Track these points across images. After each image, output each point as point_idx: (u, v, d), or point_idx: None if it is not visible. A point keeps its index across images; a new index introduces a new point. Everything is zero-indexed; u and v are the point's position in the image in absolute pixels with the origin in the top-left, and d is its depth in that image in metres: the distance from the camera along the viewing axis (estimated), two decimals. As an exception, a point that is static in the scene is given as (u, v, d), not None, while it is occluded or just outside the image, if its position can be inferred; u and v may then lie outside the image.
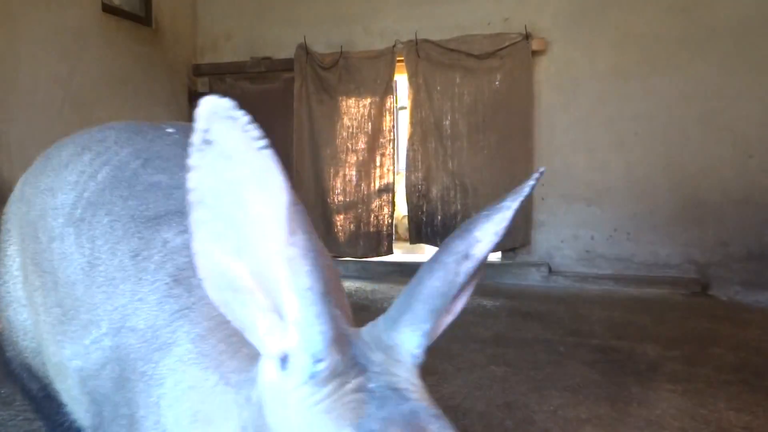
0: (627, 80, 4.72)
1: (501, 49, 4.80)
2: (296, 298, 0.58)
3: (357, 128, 5.19)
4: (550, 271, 4.84)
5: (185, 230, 1.00)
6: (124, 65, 4.64)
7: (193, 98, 5.65)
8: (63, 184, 1.20)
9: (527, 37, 4.77)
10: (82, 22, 4.21)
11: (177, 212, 1.07)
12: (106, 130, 1.32)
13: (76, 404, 1.14)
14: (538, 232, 4.91)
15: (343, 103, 5.21)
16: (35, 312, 1.22)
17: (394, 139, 5.19)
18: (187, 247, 0.98)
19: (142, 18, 4.93)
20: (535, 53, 4.83)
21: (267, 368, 0.66)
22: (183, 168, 0.99)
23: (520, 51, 4.78)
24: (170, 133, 1.30)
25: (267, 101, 5.49)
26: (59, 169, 1.25)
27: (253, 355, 0.76)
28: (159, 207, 1.09)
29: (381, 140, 5.16)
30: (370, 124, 5.16)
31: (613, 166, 4.78)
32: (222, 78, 5.59)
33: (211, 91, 5.60)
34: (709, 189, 4.56)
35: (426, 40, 4.96)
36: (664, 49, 4.63)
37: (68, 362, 1.08)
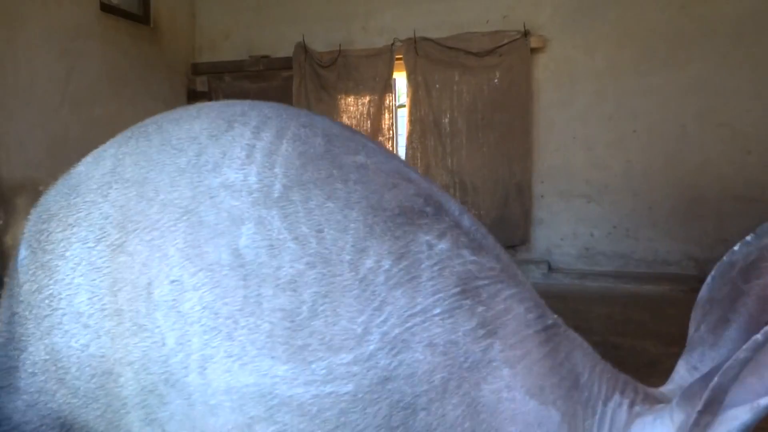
0: (625, 77, 4.71)
1: (500, 46, 4.80)
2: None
3: (356, 126, 5.19)
4: (550, 268, 4.84)
5: (444, 233, 0.91)
6: (122, 64, 4.64)
7: (192, 97, 5.64)
8: (228, 159, 0.96)
9: (526, 34, 4.76)
10: (81, 21, 4.20)
11: (418, 210, 0.93)
12: (235, 106, 1.12)
13: None
14: (537, 229, 4.91)
15: (342, 101, 5.21)
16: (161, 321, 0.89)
17: (393, 137, 5.19)
18: (458, 254, 0.90)
19: (141, 17, 4.92)
20: (533, 50, 4.82)
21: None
22: (376, 150, 0.92)
23: (518, 48, 4.78)
24: (309, 113, 1.14)
25: (266, 100, 5.42)
26: (208, 142, 0.99)
27: (591, 394, 0.80)
28: (393, 198, 0.93)
29: (380, 138, 5.16)
30: (369, 122, 5.16)
31: (612, 163, 4.78)
32: (221, 77, 5.58)
33: (210, 89, 5.60)
34: (708, 185, 4.56)
35: (424, 38, 4.95)
36: (662, 46, 4.62)
37: (281, 387, 0.84)
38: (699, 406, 0.75)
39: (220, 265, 0.88)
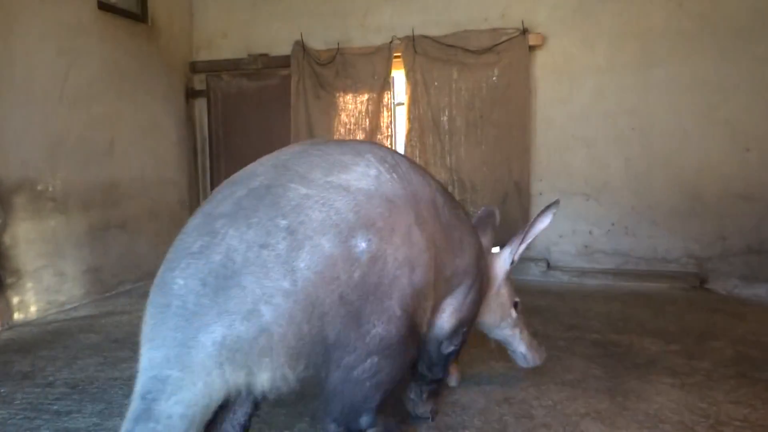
0: (625, 74, 4.71)
1: (498, 44, 4.79)
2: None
3: (354, 124, 5.19)
4: (549, 266, 4.85)
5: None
6: (120, 62, 4.63)
7: (190, 95, 5.64)
8: (428, 180, 1.87)
9: (524, 32, 4.76)
10: (78, 19, 4.20)
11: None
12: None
13: None
14: (536, 227, 4.90)
15: (341, 99, 5.20)
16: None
17: (391, 135, 5.18)
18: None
19: (138, 15, 4.91)
20: (532, 48, 4.82)
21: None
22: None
23: (517, 46, 4.77)
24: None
25: (264, 98, 5.48)
26: (411, 169, 1.79)
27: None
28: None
29: (379, 136, 5.15)
30: (367, 120, 5.16)
31: (612, 161, 4.78)
32: (219, 75, 5.58)
33: (208, 88, 5.59)
34: (708, 183, 4.56)
35: (423, 36, 4.95)
36: (661, 43, 4.62)
37: None
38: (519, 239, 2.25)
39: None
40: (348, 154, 1.64)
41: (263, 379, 1.37)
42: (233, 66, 5.52)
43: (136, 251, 4.79)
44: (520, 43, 4.76)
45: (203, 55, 5.68)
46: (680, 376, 2.53)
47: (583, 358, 2.83)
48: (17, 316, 3.68)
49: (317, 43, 5.28)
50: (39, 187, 3.84)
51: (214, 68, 5.57)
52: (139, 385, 1.36)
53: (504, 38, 4.79)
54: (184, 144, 5.54)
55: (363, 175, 1.59)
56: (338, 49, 5.14)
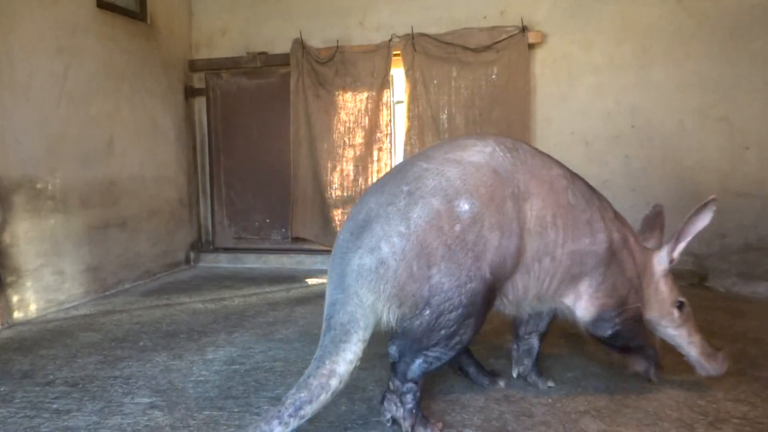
0: (624, 72, 4.72)
1: (497, 42, 4.79)
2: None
3: (354, 123, 5.19)
4: (548, 264, 4.84)
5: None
6: (119, 61, 4.63)
7: (189, 94, 5.63)
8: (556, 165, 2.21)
9: (524, 29, 4.76)
10: (77, 17, 4.19)
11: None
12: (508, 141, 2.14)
13: None
14: (535, 225, 4.90)
15: (340, 97, 5.20)
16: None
17: (391, 134, 5.18)
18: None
19: (137, 14, 4.90)
20: (531, 46, 4.82)
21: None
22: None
23: (516, 44, 4.77)
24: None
25: (263, 96, 5.47)
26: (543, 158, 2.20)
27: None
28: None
29: (378, 134, 5.15)
30: (367, 118, 5.15)
31: (610, 158, 4.79)
32: (218, 73, 5.57)
33: (207, 86, 5.58)
34: (706, 181, 4.57)
35: (422, 34, 4.94)
36: (660, 41, 4.62)
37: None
38: (675, 237, 2.36)
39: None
40: (473, 139, 2.04)
41: (382, 307, 1.83)
42: (232, 64, 5.52)
43: (136, 250, 4.79)
44: (520, 41, 4.76)
45: (202, 54, 5.68)
46: (679, 374, 2.53)
47: (582, 356, 2.83)
48: (17, 314, 3.68)
49: (316, 41, 5.28)
50: (38, 186, 3.84)
51: (214, 66, 5.57)
52: (325, 313, 1.91)
53: (503, 36, 4.79)
54: (184, 142, 5.54)
55: (478, 152, 1.96)
56: (337, 47, 5.14)
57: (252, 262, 5.54)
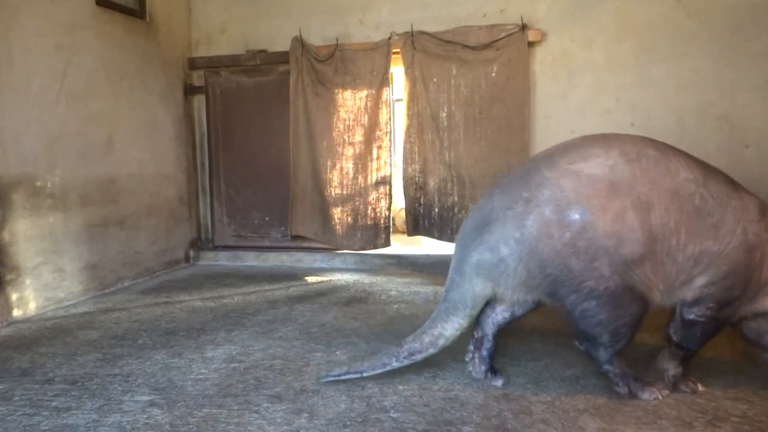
0: (623, 70, 4.71)
1: (497, 40, 4.79)
2: None
3: (353, 121, 5.18)
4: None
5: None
6: (118, 59, 4.62)
7: (189, 91, 5.62)
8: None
9: (523, 28, 4.75)
10: (76, 15, 4.19)
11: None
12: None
13: None
14: (535, 223, 4.90)
15: (339, 95, 5.19)
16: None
17: (390, 132, 5.18)
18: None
19: (136, 11, 4.89)
20: (531, 44, 4.81)
21: None
22: None
23: (516, 42, 4.77)
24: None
25: (263, 94, 5.47)
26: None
27: None
28: None
29: (377, 132, 5.15)
30: (366, 116, 5.15)
31: (610, 157, 4.77)
32: (217, 71, 5.57)
33: (206, 84, 5.58)
34: (706, 179, 4.56)
35: (422, 32, 4.94)
36: (660, 39, 4.62)
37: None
38: None
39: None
40: (598, 147, 2.21)
41: (506, 294, 2.26)
42: (232, 62, 5.51)
43: (135, 248, 4.79)
44: (519, 39, 4.76)
45: (202, 51, 5.68)
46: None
47: (581, 354, 2.83)
48: (16, 312, 3.68)
49: (316, 39, 5.27)
50: (38, 184, 3.84)
51: (213, 64, 5.56)
52: (446, 286, 2.42)
53: (503, 34, 4.78)
54: (183, 140, 5.53)
55: (599, 165, 2.15)
56: (337, 45, 5.14)
57: (251, 260, 5.54)
